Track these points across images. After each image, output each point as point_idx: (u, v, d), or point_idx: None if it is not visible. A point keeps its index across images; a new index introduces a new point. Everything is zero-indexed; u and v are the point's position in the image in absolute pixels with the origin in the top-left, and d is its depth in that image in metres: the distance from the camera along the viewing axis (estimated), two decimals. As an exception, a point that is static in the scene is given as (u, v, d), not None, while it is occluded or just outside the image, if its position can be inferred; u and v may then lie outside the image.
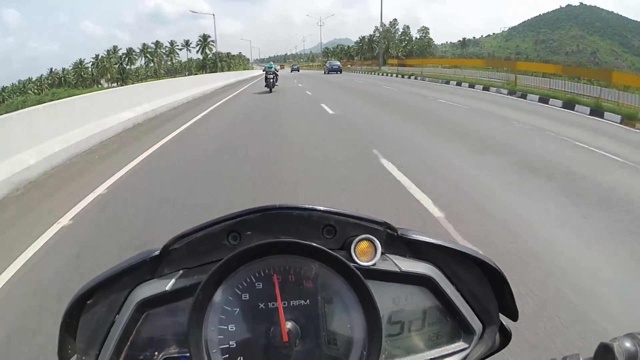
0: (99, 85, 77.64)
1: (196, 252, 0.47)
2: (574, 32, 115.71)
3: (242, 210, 0.46)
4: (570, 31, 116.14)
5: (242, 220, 0.46)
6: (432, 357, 0.48)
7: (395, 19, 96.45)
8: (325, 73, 35.95)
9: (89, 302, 0.46)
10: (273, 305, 0.43)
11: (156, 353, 0.45)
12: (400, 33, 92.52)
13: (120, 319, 0.45)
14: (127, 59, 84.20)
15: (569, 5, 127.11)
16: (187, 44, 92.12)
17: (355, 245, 0.46)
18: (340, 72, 34.92)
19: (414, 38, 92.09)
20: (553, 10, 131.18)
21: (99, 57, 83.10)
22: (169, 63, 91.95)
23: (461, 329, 0.49)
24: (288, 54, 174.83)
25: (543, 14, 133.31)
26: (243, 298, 0.43)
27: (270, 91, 14.98)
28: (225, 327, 0.43)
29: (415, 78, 22.54)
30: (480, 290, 0.49)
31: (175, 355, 0.45)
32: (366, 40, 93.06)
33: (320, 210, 0.47)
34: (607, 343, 0.35)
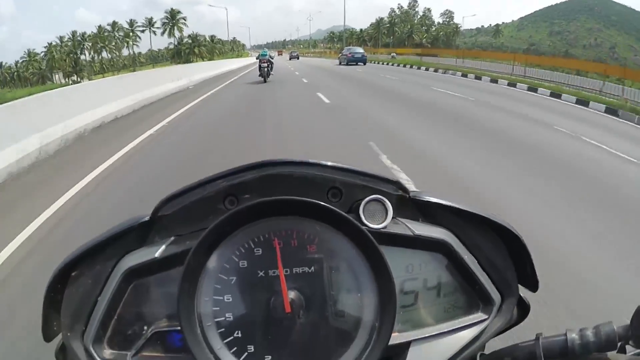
0: (49, 83, 70.71)
1: (189, 218, 0.48)
2: (590, 25, 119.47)
3: (237, 166, 0.47)
4: (586, 23, 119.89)
5: (239, 182, 0.47)
6: (449, 329, 0.48)
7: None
8: (341, 64, 28.70)
9: (73, 274, 0.47)
10: (274, 273, 0.43)
11: (145, 327, 0.46)
12: (420, 16, 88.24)
13: (107, 291, 0.45)
14: (82, 47, 76.15)
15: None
16: (150, 23, 79.28)
17: (364, 207, 0.46)
18: (365, 64, 27.99)
19: (436, 22, 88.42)
20: (566, 1, 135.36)
21: (51, 45, 74.60)
22: (126, 52, 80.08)
23: (479, 300, 0.50)
24: (287, 40, 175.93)
25: (556, 4, 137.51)
26: (240, 265, 0.44)
27: (265, 81, 14.91)
28: (221, 298, 0.43)
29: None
30: (499, 258, 0.50)
31: (166, 329, 0.46)
32: (385, 22, 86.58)
33: (324, 166, 0.48)
34: None
